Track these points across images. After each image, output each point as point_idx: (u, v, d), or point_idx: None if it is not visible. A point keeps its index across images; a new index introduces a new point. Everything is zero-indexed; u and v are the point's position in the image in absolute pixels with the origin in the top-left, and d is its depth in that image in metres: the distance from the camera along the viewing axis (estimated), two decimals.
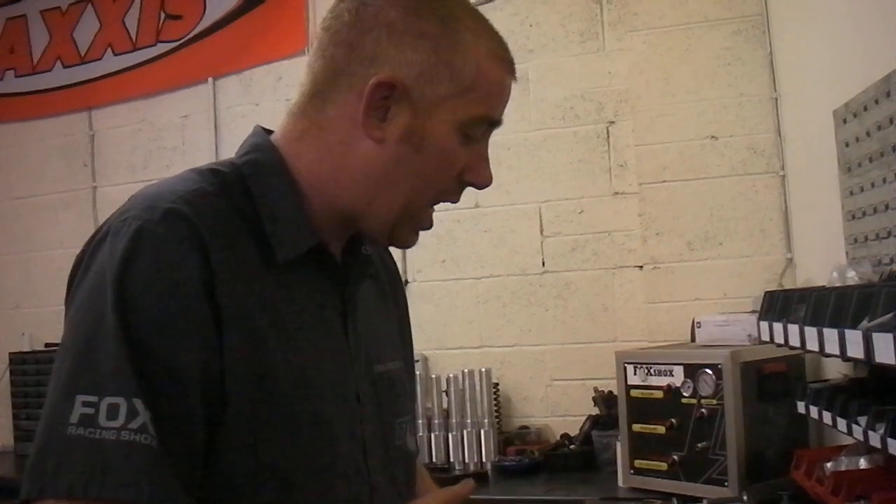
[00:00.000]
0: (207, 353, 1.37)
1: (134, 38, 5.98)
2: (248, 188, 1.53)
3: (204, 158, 5.63)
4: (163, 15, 5.91)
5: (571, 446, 4.31)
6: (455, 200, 1.61)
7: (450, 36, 1.50)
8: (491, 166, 1.62)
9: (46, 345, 5.96)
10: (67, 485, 1.27)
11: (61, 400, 1.32)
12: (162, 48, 5.91)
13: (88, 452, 1.28)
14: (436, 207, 1.63)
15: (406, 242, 1.63)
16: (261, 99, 5.61)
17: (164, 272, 1.36)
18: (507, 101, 1.58)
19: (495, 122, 1.58)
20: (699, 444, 3.48)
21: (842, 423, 2.57)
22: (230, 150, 5.74)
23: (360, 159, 1.52)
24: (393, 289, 1.86)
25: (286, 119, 1.63)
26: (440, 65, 1.49)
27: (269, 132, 1.65)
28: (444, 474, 4.19)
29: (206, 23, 5.78)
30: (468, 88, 1.50)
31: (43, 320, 6.12)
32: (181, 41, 5.85)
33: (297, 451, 1.45)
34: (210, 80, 5.74)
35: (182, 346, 1.35)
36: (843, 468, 2.86)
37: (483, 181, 1.58)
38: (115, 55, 6.04)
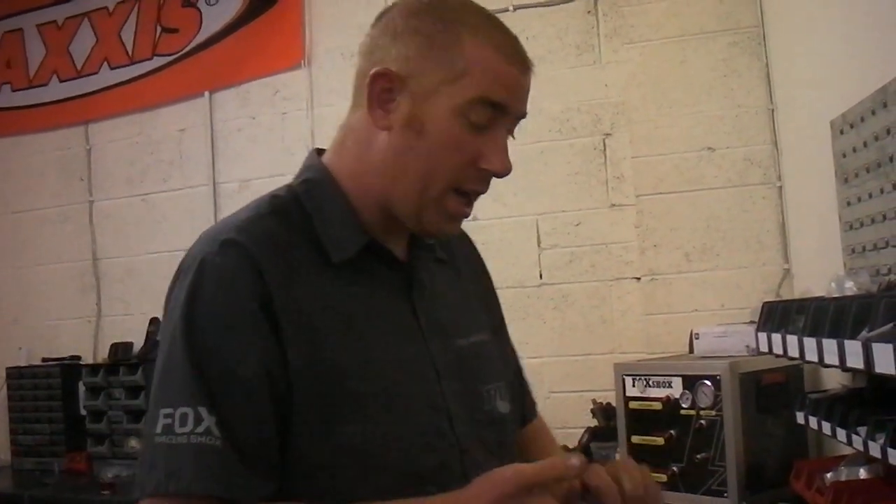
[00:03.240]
0: (268, 356, 1.54)
1: (130, 51, 6.00)
2: (303, 205, 1.71)
3: (201, 172, 5.65)
4: (159, 29, 5.92)
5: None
6: (480, 189, 1.72)
7: (446, 33, 1.62)
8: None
9: (43, 359, 5.98)
10: (155, 484, 1.49)
11: (151, 414, 1.55)
12: (158, 62, 5.92)
13: (168, 456, 1.49)
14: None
15: (440, 229, 1.75)
16: (258, 112, 5.62)
17: (222, 293, 1.56)
18: (514, 90, 1.66)
19: (501, 108, 1.64)
20: (698, 456, 3.47)
21: (841, 434, 2.57)
22: (227, 164, 5.73)
23: (377, 150, 1.67)
24: (473, 271, 2.02)
25: (337, 130, 1.80)
26: (434, 56, 1.61)
27: (322, 151, 1.82)
28: None
29: (202, 36, 5.79)
30: (461, 74, 1.60)
31: (40, 335, 6.13)
32: (178, 55, 5.86)
33: (369, 428, 1.58)
34: (207, 93, 5.76)
35: (242, 353, 1.53)
36: (842, 478, 2.86)
37: (496, 168, 1.67)
38: (112, 69, 6.06)
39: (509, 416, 1.87)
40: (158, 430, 1.51)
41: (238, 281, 1.56)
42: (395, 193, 1.68)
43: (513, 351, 2.10)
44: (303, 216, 1.69)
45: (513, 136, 1.71)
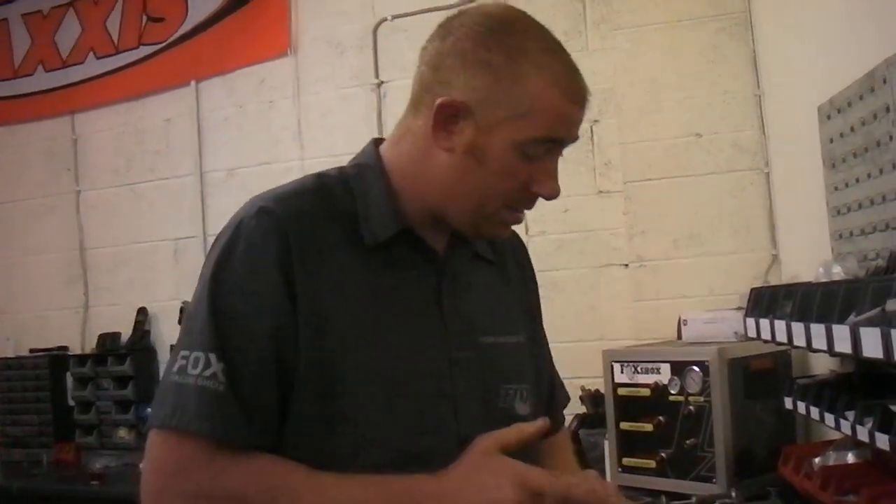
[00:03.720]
0: (278, 315, 1.65)
1: (116, 41, 5.97)
2: (350, 187, 1.81)
3: (187, 161, 5.63)
4: (145, 18, 5.90)
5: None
6: (528, 208, 1.82)
7: (512, 68, 1.69)
8: None
9: (31, 350, 5.96)
10: (162, 418, 1.62)
11: (172, 355, 1.68)
12: (144, 51, 5.90)
13: (177, 394, 1.62)
14: None
15: (494, 235, 1.89)
16: (244, 101, 5.60)
17: (249, 254, 1.68)
18: (571, 125, 1.77)
19: (558, 142, 1.75)
20: (687, 442, 3.48)
21: (829, 418, 2.58)
22: (214, 153, 5.69)
23: (436, 165, 1.75)
24: (520, 276, 2.11)
25: (396, 124, 1.87)
26: (500, 92, 1.69)
27: (381, 140, 1.90)
28: None
29: (188, 25, 5.77)
30: (525, 113, 1.69)
31: (27, 326, 6.11)
32: (164, 44, 5.84)
33: (367, 401, 1.67)
34: (193, 82, 5.74)
35: (257, 311, 1.65)
36: (831, 463, 2.86)
37: (548, 193, 1.78)
38: (98, 58, 6.03)
39: (528, 419, 1.88)
40: (175, 369, 1.64)
41: (265, 246, 1.67)
42: (450, 207, 1.77)
43: (551, 364, 2.18)
44: (347, 197, 1.79)
45: (562, 155, 1.79)
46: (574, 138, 1.79)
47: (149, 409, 5.35)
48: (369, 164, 1.84)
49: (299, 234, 1.69)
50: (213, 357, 1.62)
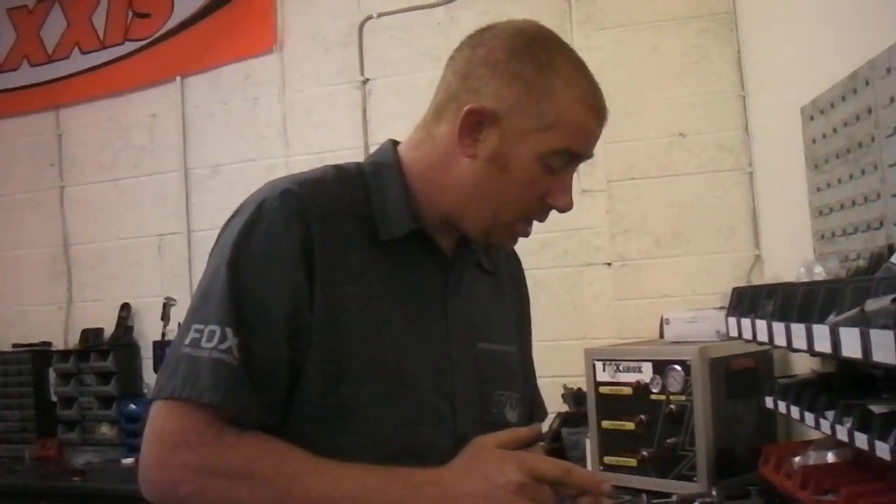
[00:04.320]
0: (297, 300, 1.68)
1: (102, 36, 5.96)
2: (366, 182, 1.84)
3: (172, 157, 5.62)
4: (131, 13, 5.89)
5: (541, 444, 4.30)
6: (541, 220, 1.88)
7: (543, 81, 1.75)
8: None
9: (14, 345, 5.93)
10: (171, 389, 1.62)
11: (183, 327, 1.69)
12: (130, 47, 5.88)
13: (190, 366, 1.62)
14: None
15: (502, 245, 1.96)
16: (229, 97, 5.60)
17: (271, 235, 1.70)
18: (591, 141, 1.82)
19: (577, 157, 1.81)
20: (668, 440, 3.49)
21: (810, 418, 2.59)
22: (199, 149, 5.68)
23: (458, 171, 1.80)
24: (515, 290, 2.16)
25: (414, 128, 1.91)
26: (529, 104, 1.74)
27: (398, 143, 1.94)
28: None
29: (174, 21, 5.76)
30: (551, 126, 1.74)
31: (10, 321, 6.09)
32: (149, 40, 5.83)
33: (367, 396, 1.70)
34: (178, 78, 5.73)
35: (275, 291, 1.67)
36: (811, 462, 2.88)
37: (563, 206, 1.83)
38: (83, 54, 6.01)
39: (516, 426, 1.91)
40: (187, 342, 1.65)
41: (288, 227, 1.69)
42: (466, 214, 1.82)
43: (534, 381, 2.21)
44: (363, 191, 1.83)
45: (577, 171, 1.85)
46: (590, 155, 1.83)
47: (132, 405, 5.42)
48: (387, 163, 1.87)
49: (321, 220, 1.72)
50: (229, 331, 1.63)
